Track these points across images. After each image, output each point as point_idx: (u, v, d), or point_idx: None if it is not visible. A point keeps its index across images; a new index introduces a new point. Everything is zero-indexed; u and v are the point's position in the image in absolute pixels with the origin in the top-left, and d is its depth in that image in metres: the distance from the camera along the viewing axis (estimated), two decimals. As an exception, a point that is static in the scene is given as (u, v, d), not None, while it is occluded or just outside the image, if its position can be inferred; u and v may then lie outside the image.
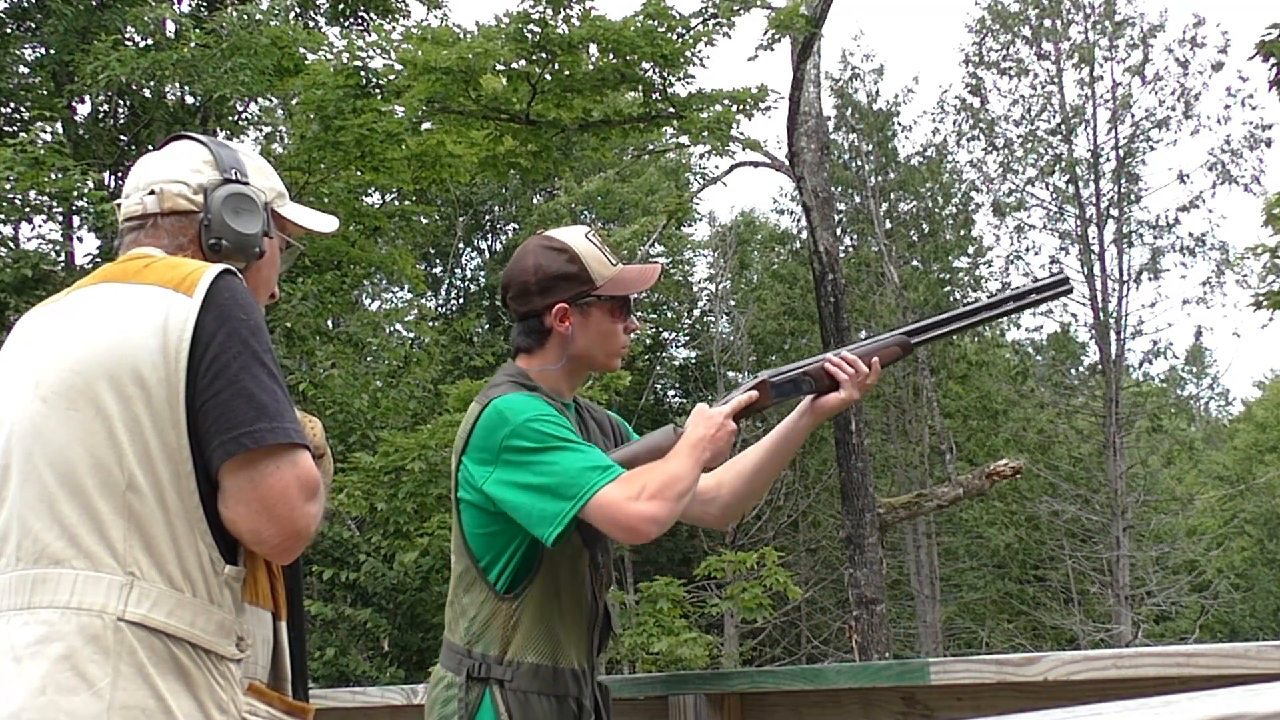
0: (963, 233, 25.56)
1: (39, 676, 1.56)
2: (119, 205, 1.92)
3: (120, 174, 15.10)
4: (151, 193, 1.85)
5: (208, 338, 1.64)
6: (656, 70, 11.51)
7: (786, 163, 12.02)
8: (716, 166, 20.65)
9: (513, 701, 2.31)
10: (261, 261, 1.88)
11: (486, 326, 25.03)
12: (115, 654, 1.56)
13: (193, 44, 12.40)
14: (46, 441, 1.65)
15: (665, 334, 24.83)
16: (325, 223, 2.03)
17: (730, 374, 24.44)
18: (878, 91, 25.19)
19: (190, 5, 15.05)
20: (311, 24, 15.21)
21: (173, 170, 1.86)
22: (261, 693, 1.69)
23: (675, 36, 11.15)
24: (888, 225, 24.31)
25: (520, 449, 2.26)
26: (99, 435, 1.63)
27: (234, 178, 1.86)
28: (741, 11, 11.34)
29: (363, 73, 11.80)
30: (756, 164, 12.73)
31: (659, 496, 2.21)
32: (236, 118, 15.89)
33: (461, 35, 11.46)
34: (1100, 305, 23.25)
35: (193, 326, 1.64)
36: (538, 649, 2.34)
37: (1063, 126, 23.99)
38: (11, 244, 13.24)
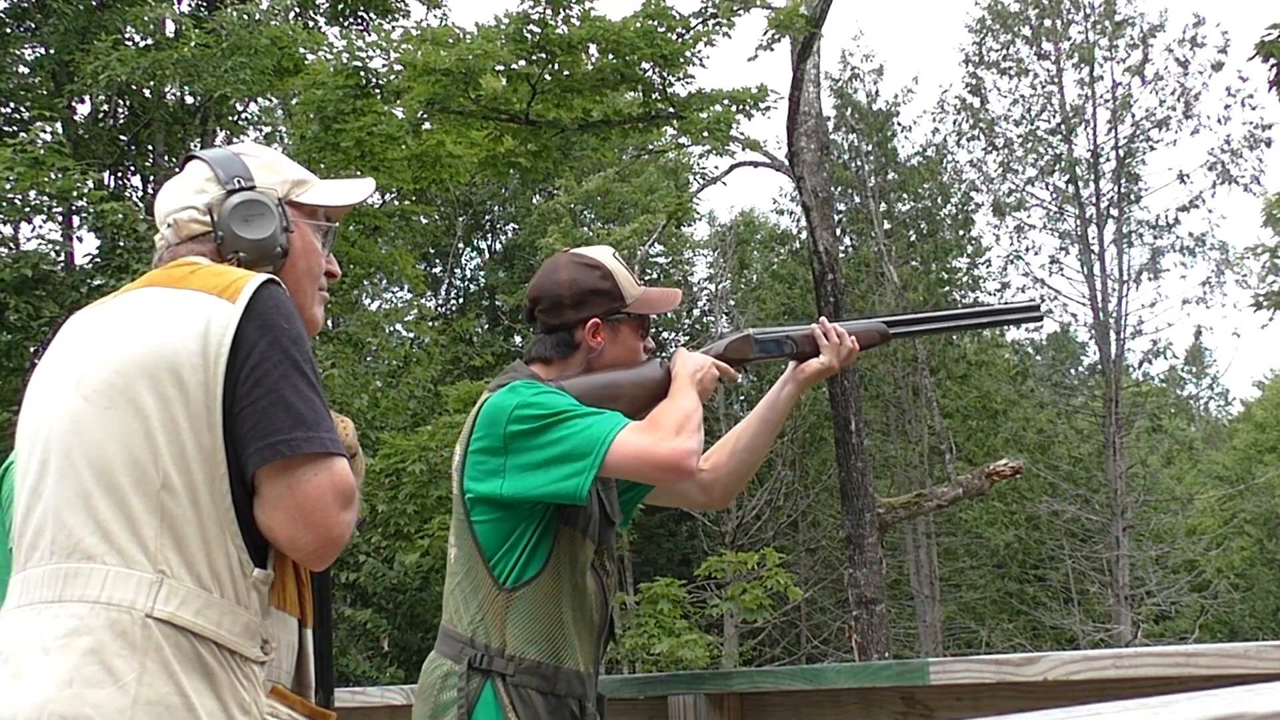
0: (962, 233, 25.56)
1: (66, 669, 1.58)
2: (153, 234, 1.97)
3: (120, 174, 15.10)
4: (169, 225, 1.89)
5: (249, 345, 1.67)
6: (656, 70, 11.51)
7: (786, 163, 12.02)
8: (716, 166, 20.63)
9: (515, 696, 2.32)
10: (293, 257, 1.90)
11: (486, 326, 25.04)
12: (142, 650, 1.59)
13: (193, 44, 12.41)
14: (85, 439, 1.68)
15: (665, 334, 24.82)
16: (354, 192, 2.02)
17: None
18: (877, 91, 25.22)
19: (190, 5, 15.05)
20: (311, 24, 15.22)
21: (181, 197, 1.89)
22: (284, 696, 1.71)
23: (675, 36, 11.14)
24: (887, 225, 24.30)
25: (525, 431, 2.30)
26: (137, 434, 1.65)
27: (237, 186, 1.87)
28: (741, 11, 11.34)
29: (363, 73, 11.80)
30: (756, 164, 12.73)
31: (684, 430, 2.29)
32: (236, 118, 15.90)
33: (461, 36, 11.45)
34: (1100, 305, 23.26)
35: (233, 333, 1.67)
36: (538, 646, 2.35)
37: (1063, 126, 23.99)
38: (11, 244, 13.25)
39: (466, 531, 2.40)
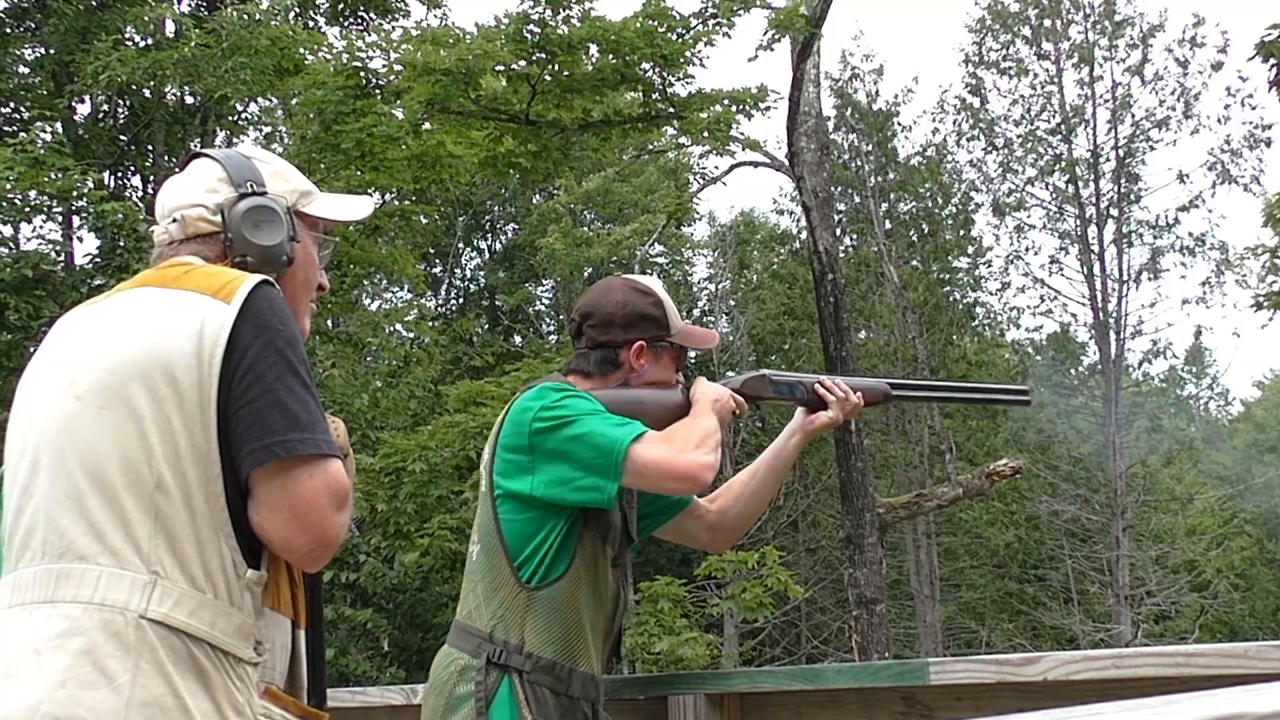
0: (962, 233, 25.56)
1: (59, 670, 1.57)
2: (152, 230, 1.95)
3: (120, 174, 15.09)
4: (175, 220, 1.88)
5: (244, 346, 1.67)
6: (656, 70, 11.51)
7: (786, 163, 12.02)
8: (716, 166, 20.64)
9: (530, 693, 2.35)
10: (294, 266, 1.90)
11: (486, 326, 25.03)
12: (136, 651, 1.58)
13: (193, 44, 12.40)
14: (78, 439, 1.67)
15: (665, 334, 24.78)
16: (356, 209, 2.04)
17: (731, 374, 24.38)
18: (878, 91, 25.20)
19: (190, 5, 15.05)
20: (311, 24, 15.21)
21: (190, 194, 1.89)
22: (277, 696, 1.71)
23: (675, 36, 11.14)
24: (887, 225, 24.30)
25: (549, 429, 2.36)
26: (130, 435, 1.65)
27: (250, 190, 1.87)
28: (741, 11, 11.34)
29: (363, 73, 11.80)
30: (756, 164, 12.73)
31: (704, 446, 2.37)
32: (236, 118, 15.89)
33: (461, 36, 11.45)
34: (1100, 305, 23.26)
35: (228, 333, 1.66)
36: (555, 646, 2.39)
37: (1063, 126, 24.00)
38: (11, 244, 13.25)
39: (493, 529, 2.43)
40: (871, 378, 2.77)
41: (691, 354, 2.76)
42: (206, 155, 1.95)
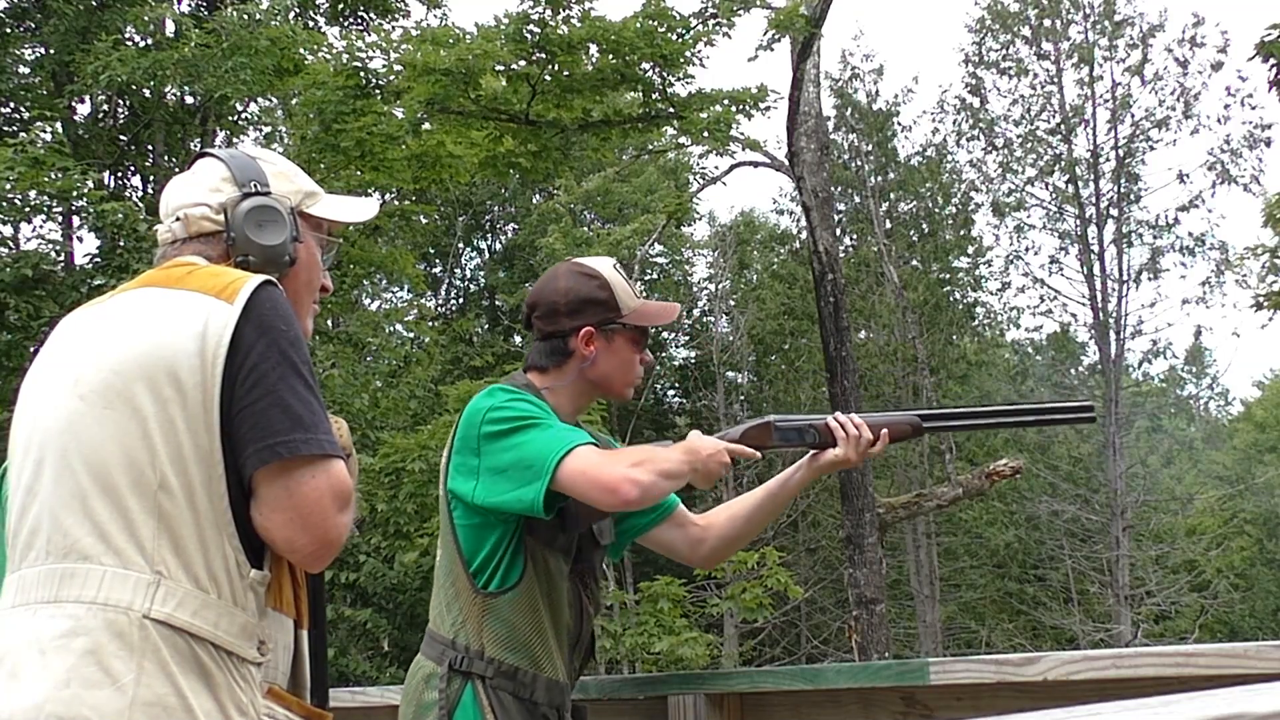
0: (962, 232, 25.57)
1: (64, 669, 1.58)
2: (154, 230, 1.97)
3: (120, 174, 15.10)
4: (178, 219, 1.89)
5: (247, 347, 1.67)
6: (656, 70, 11.51)
7: (786, 163, 12.02)
8: (716, 166, 20.62)
9: (494, 699, 2.34)
10: (297, 267, 1.90)
11: (486, 326, 25.04)
12: (140, 651, 1.59)
13: (193, 44, 12.41)
14: (82, 439, 1.68)
15: (665, 334, 24.84)
16: (360, 210, 2.04)
17: (730, 374, 24.43)
18: (877, 91, 25.22)
19: (190, 5, 15.06)
20: (311, 24, 15.21)
21: (194, 193, 1.89)
22: (280, 696, 1.71)
23: (675, 36, 11.14)
24: (888, 225, 24.31)
25: (494, 433, 2.33)
26: (134, 435, 1.65)
27: (253, 190, 1.88)
28: (741, 11, 11.34)
29: (363, 73, 11.80)
30: (756, 164, 12.72)
31: (641, 466, 2.26)
32: (236, 118, 15.90)
33: (461, 36, 11.45)
34: (1100, 305, 23.27)
35: (231, 333, 1.67)
36: (516, 653, 2.37)
37: (1062, 126, 24.01)
38: (11, 244, 13.25)
39: (449, 534, 2.42)
40: (898, 412, 2.59)
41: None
42: (211, 155, 1.95)
